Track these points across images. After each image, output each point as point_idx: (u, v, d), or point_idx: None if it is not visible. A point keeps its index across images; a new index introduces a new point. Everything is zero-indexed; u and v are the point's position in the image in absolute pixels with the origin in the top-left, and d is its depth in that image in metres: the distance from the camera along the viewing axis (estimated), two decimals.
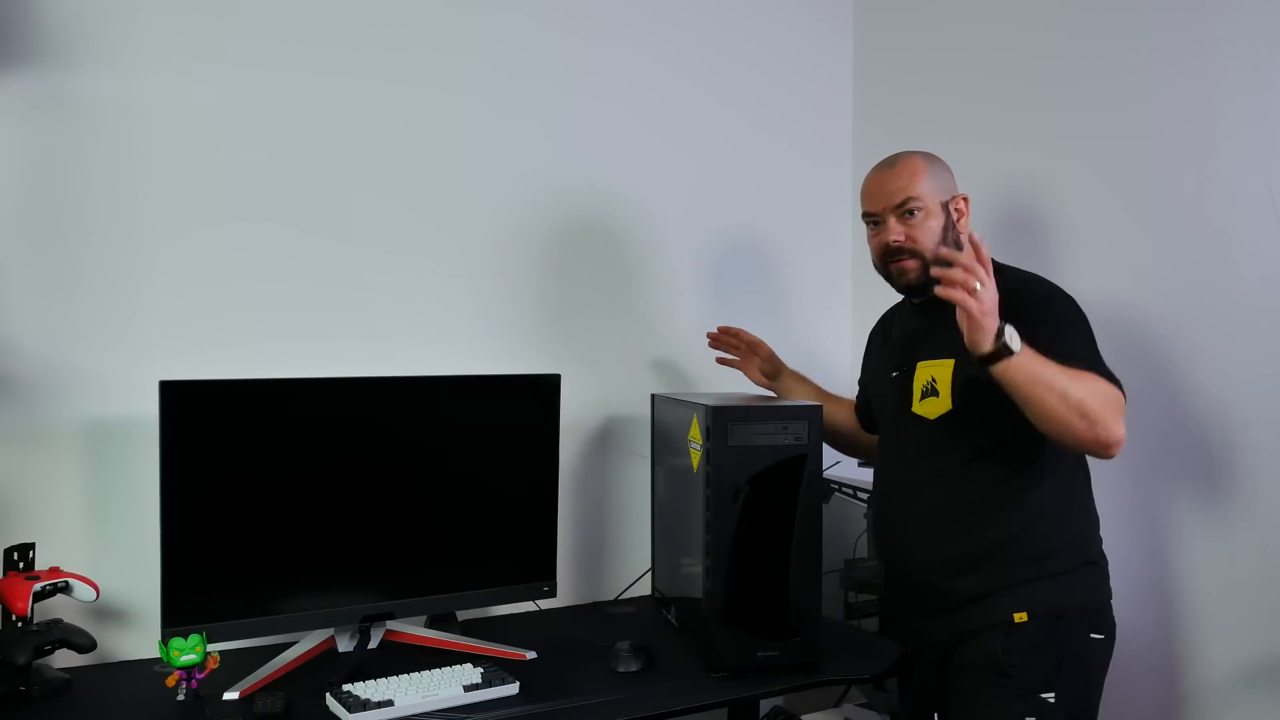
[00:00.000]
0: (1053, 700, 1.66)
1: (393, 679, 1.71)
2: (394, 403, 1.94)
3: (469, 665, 1.80)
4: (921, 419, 1.80)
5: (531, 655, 1.93)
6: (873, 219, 1.85)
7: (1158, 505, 2.04)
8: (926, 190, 1.78)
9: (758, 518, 1.80)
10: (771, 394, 2.27)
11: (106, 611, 1.90)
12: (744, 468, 1.79)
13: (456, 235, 2.26)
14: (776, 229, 2.69)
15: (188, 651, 1.65)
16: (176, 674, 1.67)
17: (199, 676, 1.68)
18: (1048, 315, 1.67)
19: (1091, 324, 1.72)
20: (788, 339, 2.44)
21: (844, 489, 2.37)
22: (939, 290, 1.53)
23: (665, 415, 2.17)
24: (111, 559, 1.90)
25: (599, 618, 2.25)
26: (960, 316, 1.52)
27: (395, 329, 2.19)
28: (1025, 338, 1.54)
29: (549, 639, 2.02)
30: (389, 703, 1.63)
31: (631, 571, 2.42)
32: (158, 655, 1.70)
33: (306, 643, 1.90)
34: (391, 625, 1.97)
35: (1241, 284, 1.91)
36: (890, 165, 1.83)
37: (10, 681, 1.68)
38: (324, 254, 2.11)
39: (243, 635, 1.83)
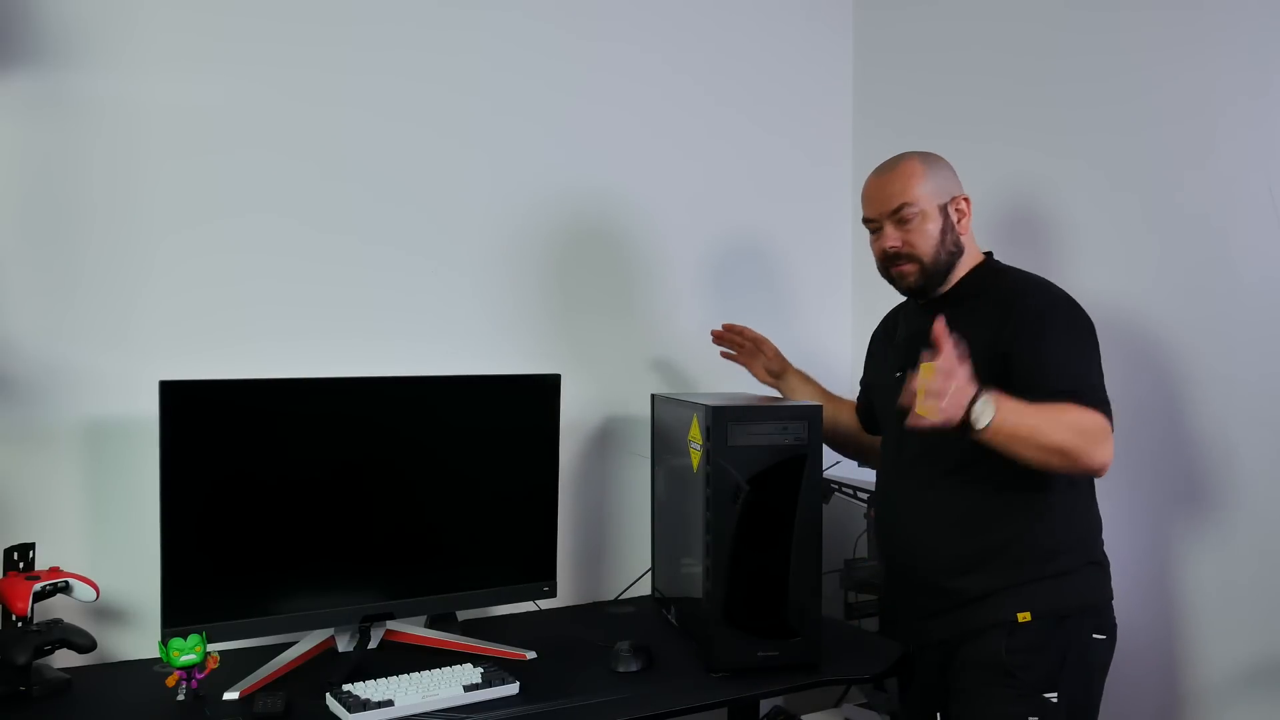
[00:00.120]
0: (1055, 700, 1.66)
1: (393, 679, 1.71)
2: (394, 403, 1.94)
3: (469, 665, 1.80)
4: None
5: (531, 655, 1.93)
6: (872, 224, 1.85)
7: (1157, 505, 2.04)
8: (922, 194, 1.78)
9: (758, 518, 1.80)
10: (773, 394, 2.27)
11: (106, 611, 1.90)
12: (744, 468, 1.79)
13: (456, 235, 2.26)
14: (777, 228, 2.69)
15: (188, 651, 1.65)
16: (176, 674, 1.67)
17: (199, 676, 1.68)
18: (1040, 328, 1.67)
19: (1092, 325, 1.72)
20: (788, 338, 2.43)
21: (844, 489, 2.37)
22: (906, 402, 1.56)
23: (665, 415, 2.17)
24: (111, 559, 1.90)
25: (599, 618, 2.25)
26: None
27: (395, 329, 2.19)
28: (1007, 356, 1.62)
29: (549, 639, 2.02)
30: (389, 703, 1.63)
31: (631, 571, 2.42)
32: (158, 655, 1.70)
33: (306, 643, 1.90)
34: (391, 625, 1.97)
35: (1241, 284, 1.91)
36: (886, 170, 1.83)
37: (10, 681, 1.68)
38: (324, 253, 2.11)
39: (243, 635, 1.83)
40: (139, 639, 1.92)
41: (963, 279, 1.81)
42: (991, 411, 1.53)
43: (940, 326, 1.55)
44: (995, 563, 1.72)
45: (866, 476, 2.34)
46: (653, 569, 2.31)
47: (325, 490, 1.87)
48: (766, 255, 2.68)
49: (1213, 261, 1.95)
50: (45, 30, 1.85)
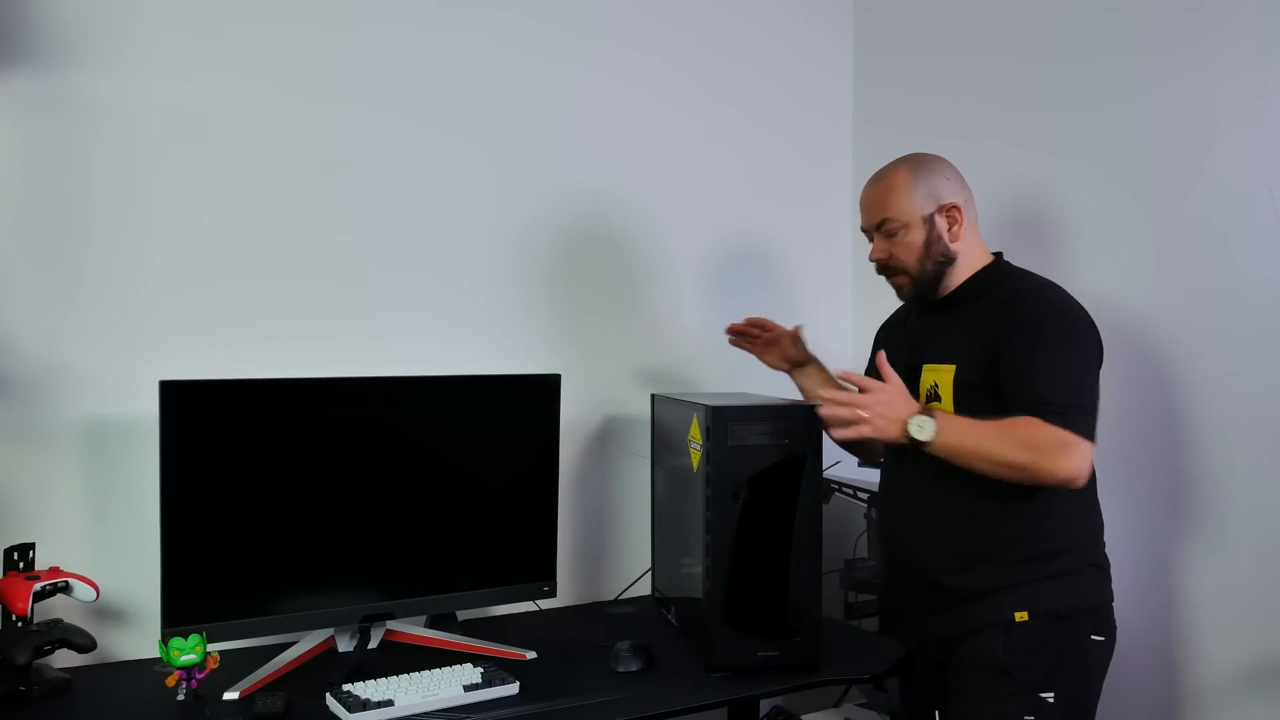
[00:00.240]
0: (1052, 700, 1.66)
1: (393, 679, 1.71)
2: (394, 403, 1.94)
3: (469, 665, 1.80)
4: None
5: (531, 655, 1.93)
6: (865, 233, 1.87)
7: (1157, 505, 2.04)
8: (905, 206, 1.78)
9: (758, 518, 1.80)
10: (775, 394, 2.25)
11: (106, 611, 1.91)
12: (744, 468, 1.79)
13: (456, 234, 2.26)
14: (777, 228, 2.69)
15: (188, 651, 1.65)
16: (176, 674, 1.67)
17: (199, 676, 1.68)
18: (1028, 335, 1.67)
19: (1089, 337, 1.72)
20: None
21: (844, 489, 2.37)
22: (824, 414, 1.68)
23: (665, 415, 2.17)
24: (111, 559, 1.90)
25: (599, 618, 2.26)
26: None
27: (395, 328, 2.19)
28: (999, 356, 1.66)
29: (549, 639, 2.02)
30: (389, 703, 1.63)
31: (631, 571, 2.42)
32: (158, 655, 1.70)
33: (306, 643, 1.90)
34: (391, 625, 1.97)
35: (1241, 284, 1.91)
36: (874, 182, 1.84)
37: (10, 681, 1.68)
38: (324, 253, 2.11)
39: (243, 635, 1.83)
40: (139, 639, 1.92)
41: (969, 280, 1.81)
42: (931, 430, 1.61)
43: (882, 359, 1.70)
44: (995, 562, 1.73)
45: (866, 476, 2.34)
46: (653, 569, 2.31)
47: (325, 490, 1.87)
48: (766, 255, 2.68)
49: (1213, 262, 1.95)
50: (45, 30, 1.85)
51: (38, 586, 1.73)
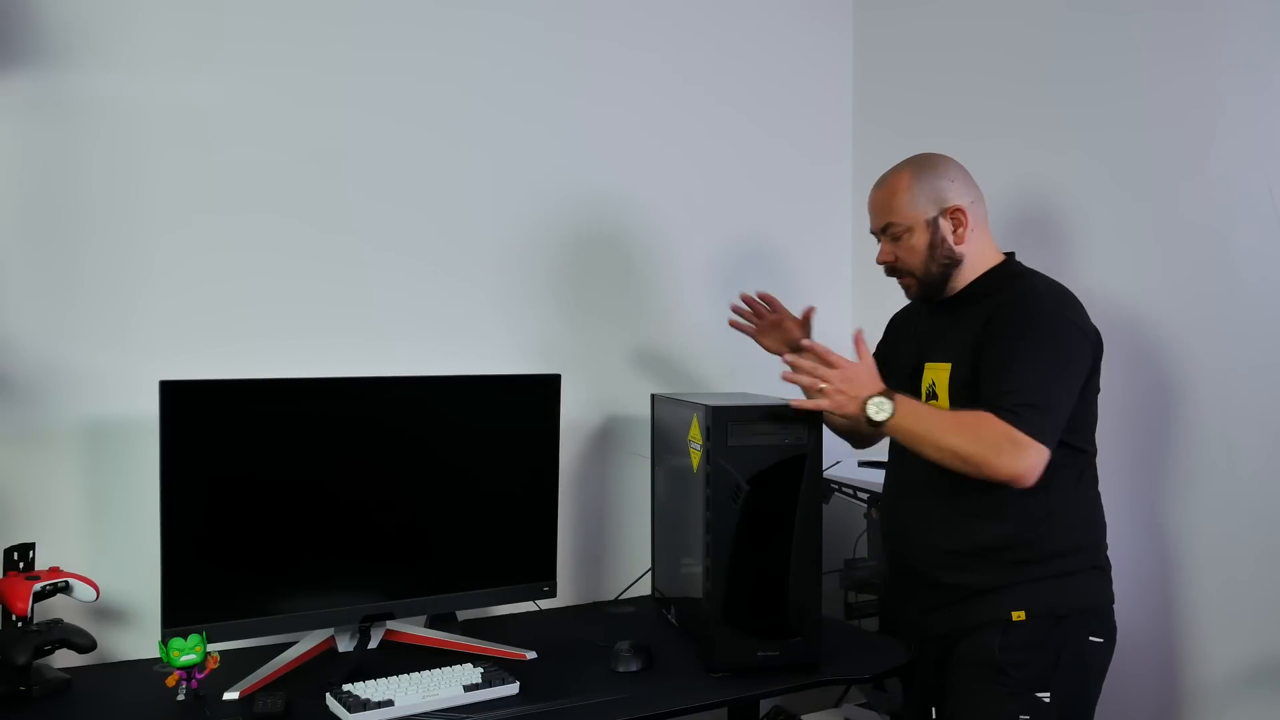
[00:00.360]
0: (1048, 700, 1.66)
1: (393, 679, 1.71)
2: (394, 403, 1.94)
3: (469, 665, 1.80)
4: None
5: (531, 655, 1.93)
6: (873, 235, 1.88)
7: (1157, 504, 2.04)
8: (908, 210, 1.78)
9: (758, 518, 1.80)
10: (775, 394, 2.25)
11: (106, 611, 1.91)
12: (744, 468, 1.79)
13: (456, 235, 2.26)
14: (777, 228, 2.69)
15: (188, 651, 1.65)
16: (176, 674, 1.67)
17: (199, 676, 1.68)
18: (1009, 333, 1.68)
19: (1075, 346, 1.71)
20: None
21: (844, 489, 2.37)
22: (786, 377, 1.72)
23: (665, 415, 2.16)
24: (111, 559, 1.90)
25: (599, 618, 2.26)
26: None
27: (396, 328, 2.19)
28: (984, 347, 1.69)
29: (549, 639, 2.02)
30: (389, 703, 1.63)
31: (631, 571, 2.42)
32: (158, 655, 1.70)
33: (306, 643, 1.90)
34: (391, 625, 1.97)
35: (1241, 284, 1.91)
36: (879, 185, 1.85)
37: (10, 681, 1.68)
38: (324, 253, 2.11)
39: (243, 635, 1.83)
40: (139, 639, 1.92)
41: (976, 281, 1.80)
42: (889, 412, 1.64)
43: (859, 336, 1.73)
44: (993, 561, 1.73)
45: (866, 476, 2.34)
46: (653, 569, 2.31)
47: (325, 490, 1.87)
48: (767, 255, 2.68)
49: (1213, 262, 1.95)
50: (45, 30, 1.85)
51: (38, 586, 1.73)
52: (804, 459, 1.81)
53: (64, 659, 1.79)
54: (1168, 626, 2.03)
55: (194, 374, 1.79)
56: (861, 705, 2.38)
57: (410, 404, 1.96)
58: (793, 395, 1.75)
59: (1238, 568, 1.92)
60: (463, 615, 2.13)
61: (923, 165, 1.81)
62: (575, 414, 2.33)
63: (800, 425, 1.80)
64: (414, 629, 2.01)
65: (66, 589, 1.77)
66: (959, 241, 1.78)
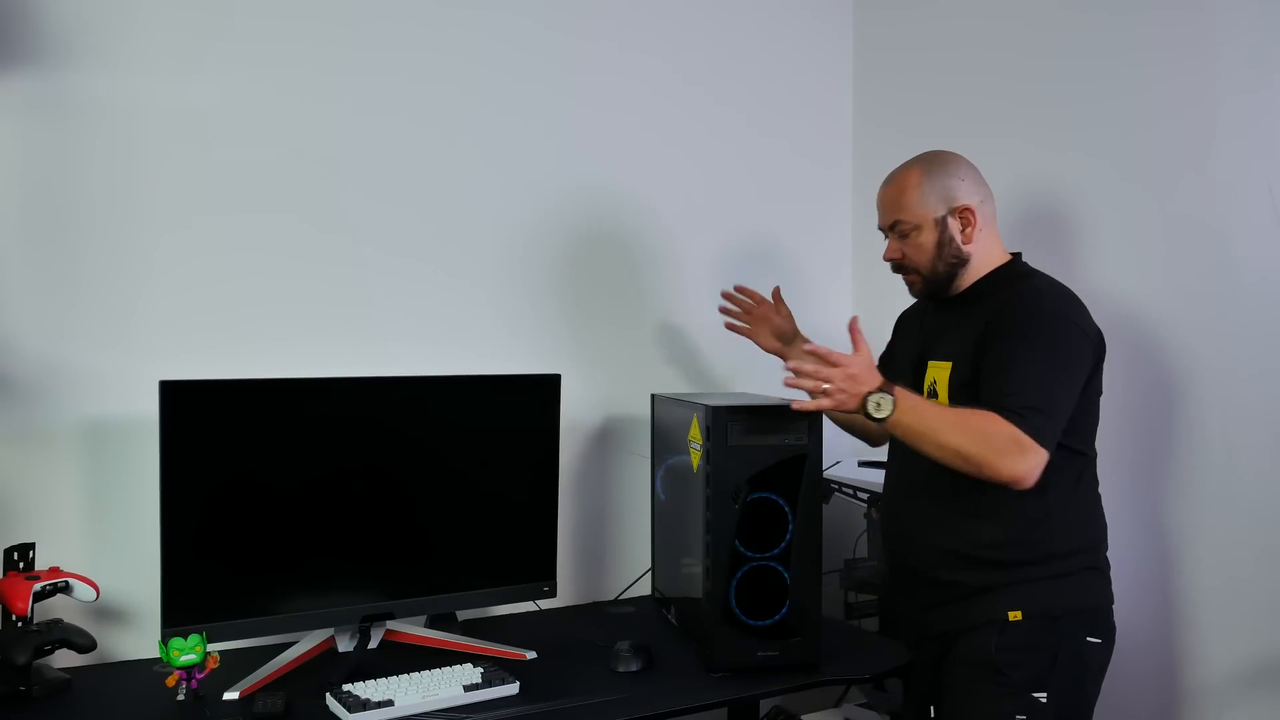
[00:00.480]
0: (1044, 700, 1.66)
1: (393, 679, 1.71)
2: (394, 403, 1.94)
3: (469, 665, 1.80)
4: None
5: (531, 655, 1.93)
6: (881, 232, 1.87)
7: (1157, 504, 2.04)
8: (916, 207, 1.78)
9: (758, 518, 1.80)
10: (775, 394, 2.25)
11: (106, 611, 1.91)
12: (744, 468, 1.79)
13: (456, 235, 2.26)
14: (777, 228, 2.69)
15: (188, 651, 1.65)
16: (176, 674, 1.67)
17: (199, 676, 1.68)
18: (1011, 335, 1.67)
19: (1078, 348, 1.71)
20: None
21: (844, 489, 2.37)
22: (789, 383, 1.67)
23: (665, 415, 2.16)
24: (111, 559, 1.90)
25: (599, 618, 2.26)
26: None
27: (396, 329, 2.19)
28: (984, 350, 1.66)
29: (549, 639, 2.02)
30: (389, 703, 1.63)
31: (631, 571, 2.42)
32: (158, 655, 1.70)
33: (306, 643, 1.90)
34: (391, 625, 1.97)
35: (1241, 284, 1.91)
36: (888, 182, 1.85)
37: (10, 681, 1.68)
38: (324, 253, 2.11)
39: (243, 635, 1.83)
40: (139, 639, 1.92)
41: (981, 280, 1.80)
42: (890, 407, 1.61)
43: (854, 324, 1.67)
44: (992, 561, 1.73)
45: (866, 476, 2.35)
46: (653, 569, 2.31)
47: (325, 490, 1.87)
48: (766, 255, 2.68)
49: (1213, 262, 1.95)
50: (45, 30, 1.85)
51: (38, 586, 1.73)
52: (804, 459, 1.81)
53: (64, 659, 1.79)
54: (1167, 626, 2.03)
55: (194, 374, 1.79)
56: (861, 705, 2.38)
57: (410, 404, 1.96)
58: (793, 395, 1.75)
59: (1238, 568, 1.92)
60: (463, 615, 2.13)
61: (933, 163, 1.81)
62: (575, 414, 2.33)
63: (800, 425, 1.80)
64: (414, 629, 2.01)
65: (66, 589, 1.77)
66: (967, 241, 1.78)
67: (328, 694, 1.67)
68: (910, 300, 1.98)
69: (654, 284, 2.52)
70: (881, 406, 1.62)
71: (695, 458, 1.89)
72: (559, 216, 2.38)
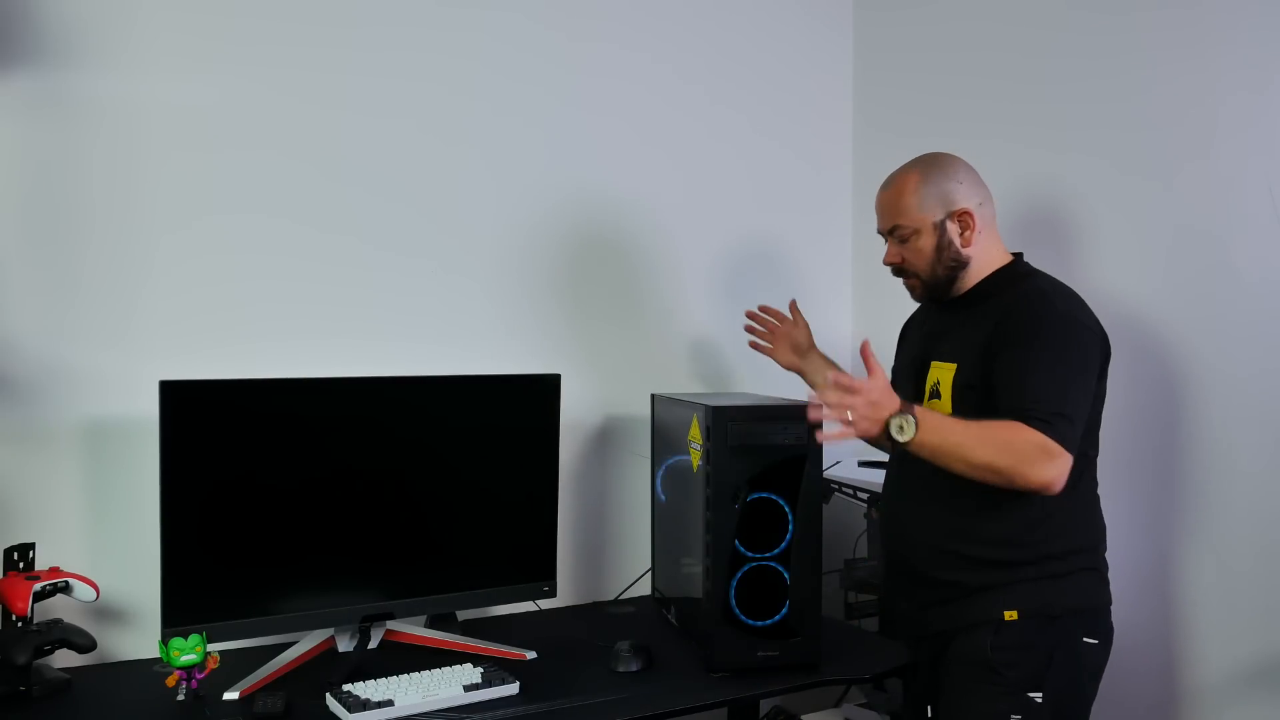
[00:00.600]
0: (1040, 700, 1.66)
1: (393, 679, 1.71)
2: (394, 403, 1.94)
3: (469, 665, 1.80)
4: None
5: (531, 655, 1.93)
6: (881, 235, 1.88)
7: (1157, 504, 2.05)
8: (915, 212, 1.78)
9: (758, 518, 1.80)
10: (774, 394, 2.26)
11: (106, 611, 1.91)
12: (744, 468, 1.79)
13: (456, 235, 2.26)
14: (777, 230, 2.69)
15: (188, 651, 1.65)
16: (176, 674, 1.67)
17: (199, 676, 1.68)
18: (1022, 340, 1.67)
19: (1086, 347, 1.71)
20: None
21: (844, 489, 2.37)
22: (815, 417, 1.62)
23: (665, 415, 2.17)
24: (111, 559, 1.90)
25: (599, 618, 2.26)
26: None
27: (396, 329, 2.19)
28: (995, 357, 1.65)
29: (549, 639, 2.03)
30: (389, 703, 1.63)
31: (631, 571, 2.42)
32: (158, 655, 1.70)
33: (306, 643, 1.90)
34: (391, 625, 1.97)
35: (1241, 284, 1.91)
36: (886, 186, 1.85)
37: (10, 681, 1.68)
38: (324, 253, 2.11)
39: (243, 635, 1.83)
40: (139, 639, 1.92)
41: (983, 282, 1.80)
42: (912, 429, 1.58)
43: (865, 348, 1.61)
44: (990, 560, 1.73)
45: (867, 476, 2.35)
46: (653, 569, 2.31)
47: (325, 490, 1.87)
48: (766, 256, 2.68)
49: (1213, 262, 1.95)
50: (45, 30, 1.85)
51: (38, 586, 1.73)
52: (804, 459, 1.81)
53: (64, 659, 1.79)
54: (1166, 627, 2.03)
55: (194, 374, 1.79)
56: (861, 705, 2.38)
57: (410, 404, 1.96)
58: (792, 395, 1.76)
59: (1236, 568, 1.92)
60: (463, 615, 2.13)
61: (931, 166, 1.81)
62: (575, 414, 2.33)
63: (800, 425, 1.80)
64: (414, 629, 2.01)
65: (66, 589, 1.77)
66: (966, 244, 1.78)
67: (328, 694, 1.67)
68: (911, 304, 1.98)
69: (654, 284, 2.52)
70: (904, 429, 1.58)
71: (695, 458, 1.89)
72: (559, 216, 2.38)
